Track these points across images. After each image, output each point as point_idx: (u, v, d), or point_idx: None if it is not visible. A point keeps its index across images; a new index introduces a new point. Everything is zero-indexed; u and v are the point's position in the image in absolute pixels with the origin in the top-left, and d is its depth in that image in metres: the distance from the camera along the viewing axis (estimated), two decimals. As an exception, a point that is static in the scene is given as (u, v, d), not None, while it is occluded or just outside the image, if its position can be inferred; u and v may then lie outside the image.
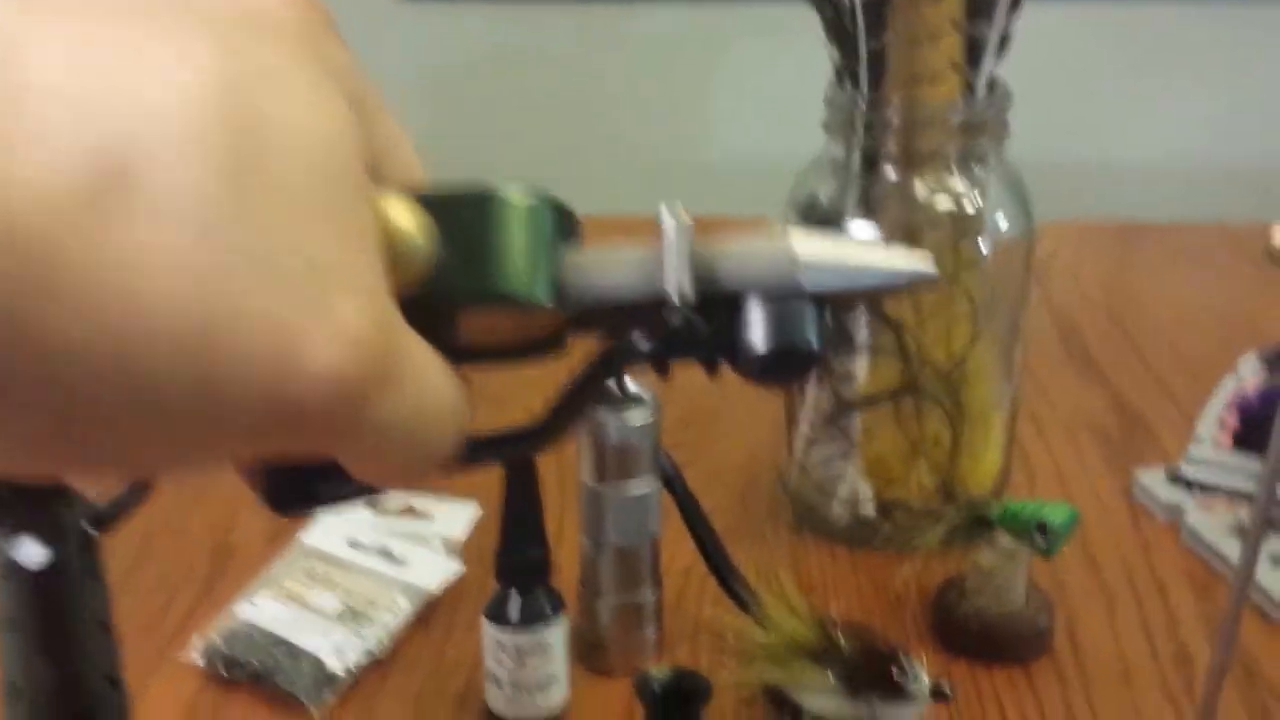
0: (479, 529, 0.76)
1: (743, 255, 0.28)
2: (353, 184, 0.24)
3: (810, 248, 0.28)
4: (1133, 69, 2.04)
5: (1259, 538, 0.38)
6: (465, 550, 0.74)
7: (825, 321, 0.28)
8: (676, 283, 0.27)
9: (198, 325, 0.21)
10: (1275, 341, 0.93)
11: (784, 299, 0.27)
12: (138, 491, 0.49)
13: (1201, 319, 1.08)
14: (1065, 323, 1.06)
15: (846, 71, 0.71)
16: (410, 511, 0.76)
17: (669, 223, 0.28)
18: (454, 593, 0.70)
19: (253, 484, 0.31)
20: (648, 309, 0.28)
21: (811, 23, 0.72)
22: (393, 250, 0.26)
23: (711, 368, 0.28)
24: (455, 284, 0.27)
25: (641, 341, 0.28)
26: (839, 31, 0.71)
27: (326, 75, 0.24)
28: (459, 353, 0.28)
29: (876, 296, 0.30)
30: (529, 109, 1.80)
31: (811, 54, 0.76)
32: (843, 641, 0.55)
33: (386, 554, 0.71)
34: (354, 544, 0.71)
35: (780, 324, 0.27)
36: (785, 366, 0.28)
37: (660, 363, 0.28)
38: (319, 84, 0.24)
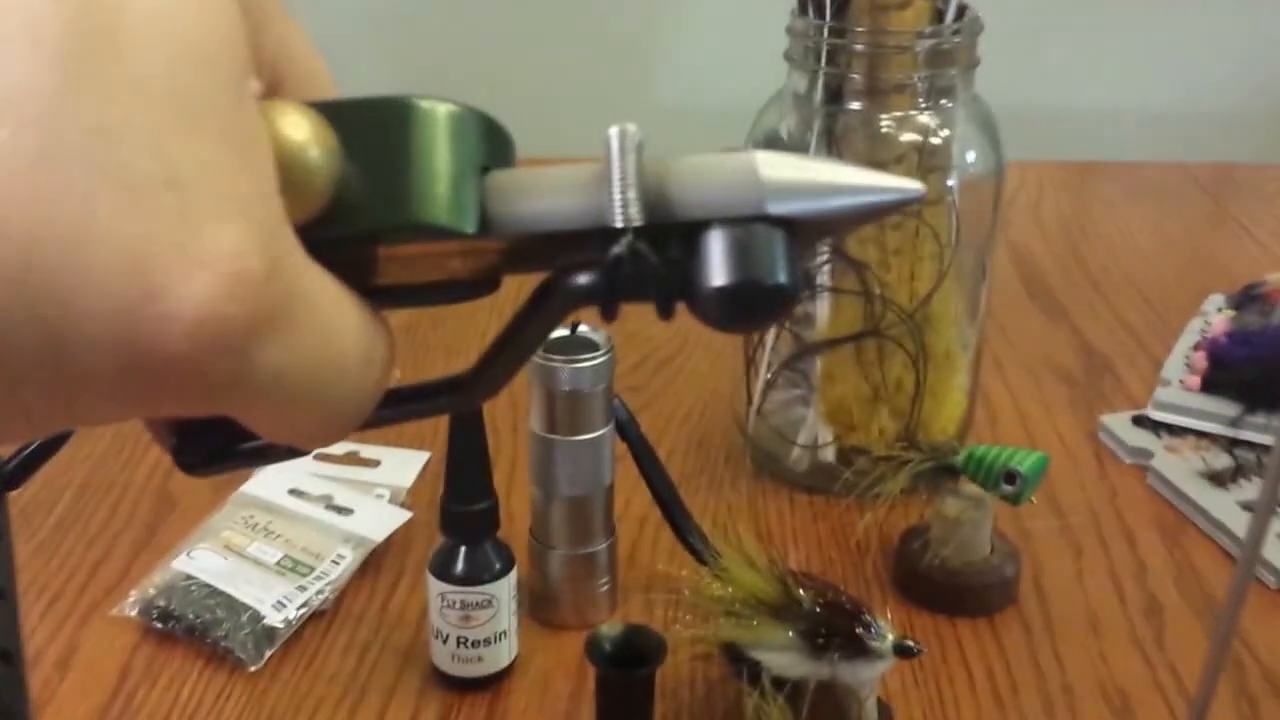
0: (430, 475, 0.72)
1: (700, 176, 0.23)
2: (232, 81, 0.19)
3: (777, 168, 0.23)
4: (1093, 8, 2.00)
5: (1268, 512, 0.34)
6: (414, 497, 0.70)
7: (796, 254, 0.23)
8: (621, 206, 0.23)
9: (29, 249, 0.17)
10: (1242, 284, 0.89)
11: (748, 227, 0.23)
12: (49, 447, 0.44)
13: (1163, 258, 1.04)
14: (1026, 262, 1.03)
15: (810, -1, 0.66)
16: (356, 458, 0.71)
17: (615, 140, 0.23)
18: (401, 542, 0.66)
19: (159, 439, 0.27)
20: (590, 239, 0.23)
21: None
22: (285, 169, 0.21)
23: (665, 308, 0.24)
24: (362, 209, 0.22)
25: (583, 277, 0.23)
26: (802, -45, 0.66)
27: None
28: (373, 292, 0.23)
29: (853, 224, 0.25)
30: (482, 45, 1.73)
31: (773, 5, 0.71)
32: (804, 597, 0.51)
33: (330, 503, 0.66)
34: (296, 492, 0.67)
35: (743, 255, 0.22)
36: (750, 305, 0.23)
37: (606, 303, 0.23)
38: None
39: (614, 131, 0.23)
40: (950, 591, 0.62)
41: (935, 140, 0.65)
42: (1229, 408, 0.76)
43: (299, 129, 0.22)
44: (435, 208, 0.23)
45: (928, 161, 0.65)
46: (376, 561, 0.64)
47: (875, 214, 0.24)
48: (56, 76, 0.17)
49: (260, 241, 0.19)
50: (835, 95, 0.66)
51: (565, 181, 0.23)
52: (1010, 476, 0.60)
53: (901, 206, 0.24)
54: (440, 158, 0.23)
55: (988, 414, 0.79)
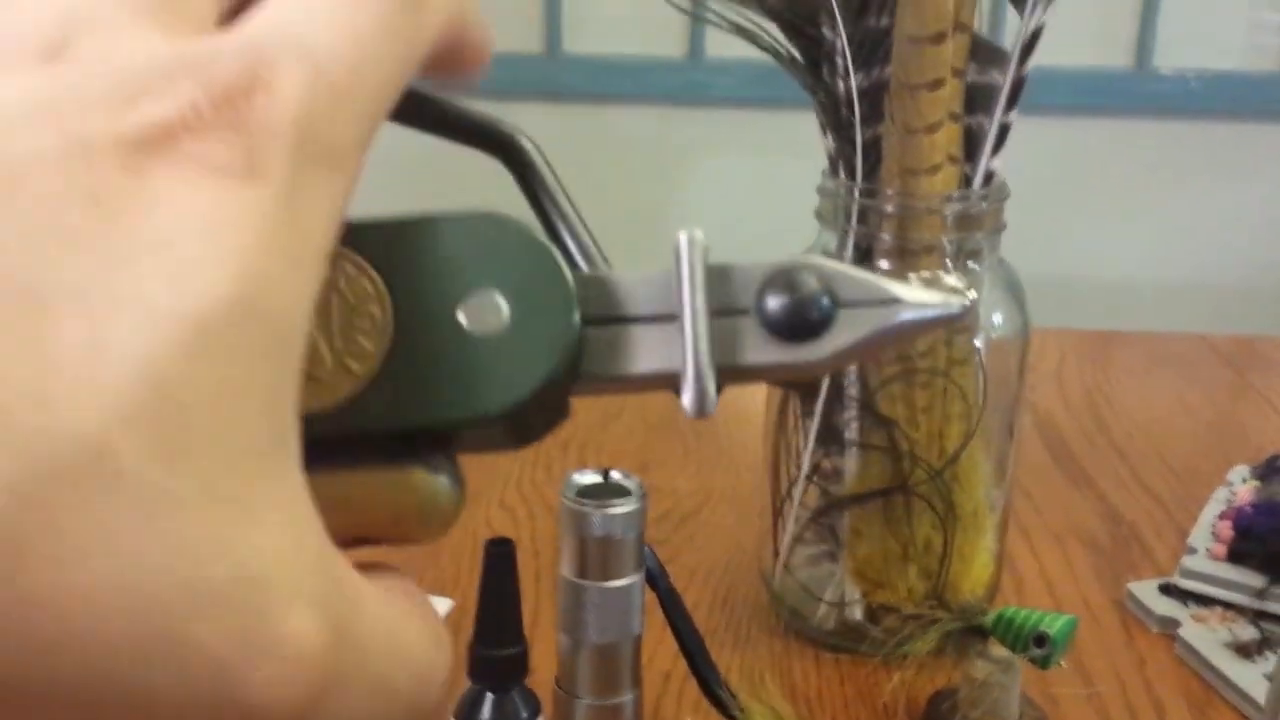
0: (449, 624, 0.73)
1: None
2: (286, 420, 0.20)
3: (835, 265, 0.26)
4: (1116, 182, 2.06)
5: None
6: (432, 646, 0.71)
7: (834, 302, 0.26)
8: (695, 386, 0.25)
9: (127, 654, 0.18)
10: (1266, 454, 0.92)
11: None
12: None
13: (1186, 427, 1.07)
14: (1050, 429, 1.06)
15: (841, 160, 0.71)
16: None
17: (688, 291, 0.25)
18: (419, 691, 0.67)
19: None
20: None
21: (790, 131, 0.72)
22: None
23: None
24: (409, 396, 0.23)
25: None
26: (834, 118, 0.70)
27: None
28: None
29: (895, 344, 0.27)
30: (504, 205, 1.79)
31: (788, 162, 0.76)
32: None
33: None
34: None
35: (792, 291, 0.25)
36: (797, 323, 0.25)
37: None
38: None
39: (684, 252, 0.26)
40: (979, 756, 0.63)
41: (963, 301, 0.69)
42: (1255, 579, 0.78)
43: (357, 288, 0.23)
44: (517, 390, 0.23)
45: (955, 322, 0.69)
46: (395, 708, 0.65)
47: (919, 330, 0.27)
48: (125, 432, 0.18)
49: (326, 618, 0.20)
50: (866, 254, 0.70)
51: (649, 330, 0.25)
52: (1040, 639, 0.62)
53: (945, 324, 0.27)
54: (534, 301, 0.24)
55: (1014, 580, 0.81)
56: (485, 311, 0.23)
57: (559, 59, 2.03)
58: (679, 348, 0.25)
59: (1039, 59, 0.67)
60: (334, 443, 0.22)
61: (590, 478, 0.60)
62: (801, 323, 0.25)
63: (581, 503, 0.59)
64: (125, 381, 0.17)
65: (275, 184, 0.20)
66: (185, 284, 0.18)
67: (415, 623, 0.23)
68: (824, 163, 0.72)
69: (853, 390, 0.69)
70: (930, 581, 0.70)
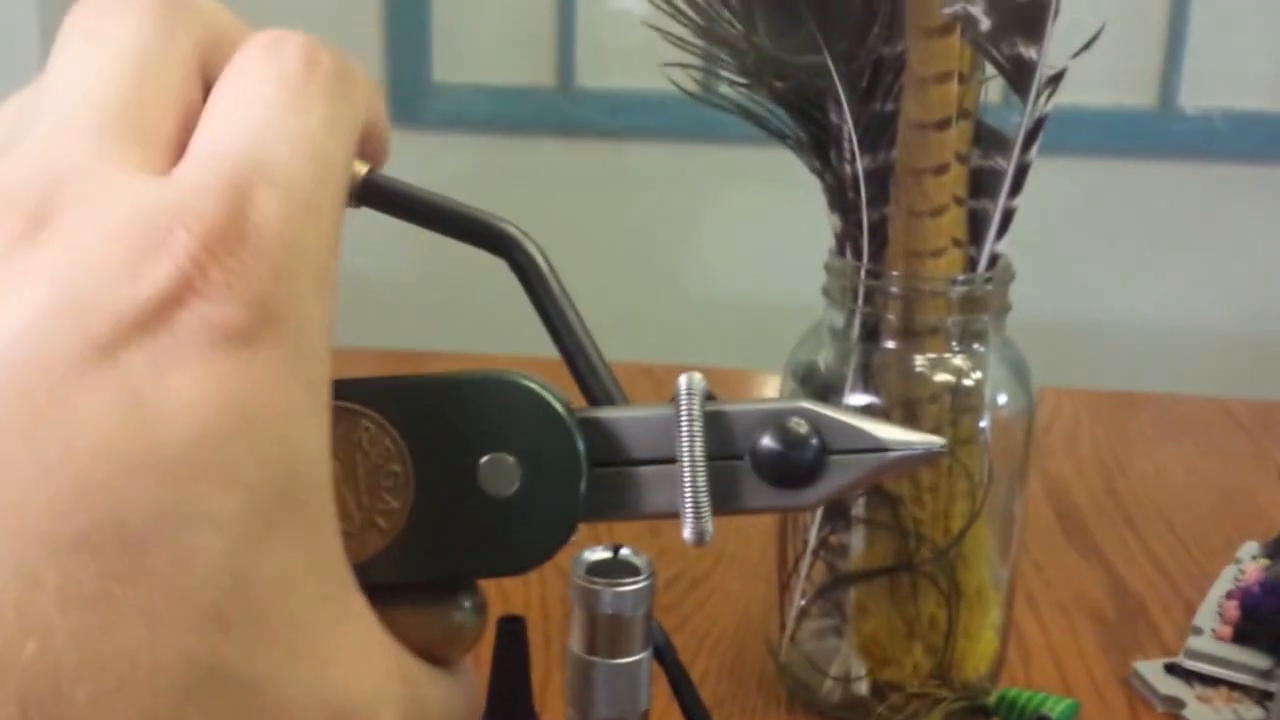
0: (455, 692, 0.77)
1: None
2: (346, 567, 0.24)
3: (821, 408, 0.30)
4: (1138, 226, 2.08)
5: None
6: None
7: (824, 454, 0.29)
8: (694, 525, 0.29)
9: None
10: (1277, 530, 0.96)
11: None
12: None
13: (1198, 498, 1.11)
14: (1061, 494, 1.09)
15: (847, 240, 0.75)
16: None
17: (686, 441, 0.29)
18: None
19: None
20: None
21: (804, 168, 0.76)
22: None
23: None
24: (432, 551, 0.27)
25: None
26: (841, 200, 0.75)
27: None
28: None
29: (877, 478, 0.31)
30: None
31: (804, 200, 0.80)
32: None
33: None
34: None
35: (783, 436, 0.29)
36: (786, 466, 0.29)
37: None
38: None
39: (683, 389, 0.29)
40: (979, 834, 0.67)
41: (968, 383, 0.73)
42: (1261, 659, 0.81)
43: (377, 439, 0.26)
44: (532, 554, 0.29)
45: (961, 402, 0.73)
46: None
47: (903, 469, 0.31)
48: (216, 637, 0.21)
49: (404, 714, 0.25)
50: (872, 333, 0.74)
51: (651, 481, 0.29)
52: (1040, 720, 0.66)
53: (926, 461, 0.30)
54: (544, 473, 0.28)
55: (1021, 653, 0.85)
56: (500, 474, 0.27)
57: (572, 93, 2.08)
58: (678, 490, 0.29)
59: (1058, 98, 0.70)
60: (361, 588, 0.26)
61: (600, 554, 0.64)
62: (793, 473, 0.29)
63: (591, 580, 0.63)
64: (214, 593, 0.20)
65: (281, 330, 0.22)
66: (240, 493, 0.21)
67: (461, 679, 0.29)
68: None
69: (859, 467, 0.73)
70: (935, 659, 0.74)
